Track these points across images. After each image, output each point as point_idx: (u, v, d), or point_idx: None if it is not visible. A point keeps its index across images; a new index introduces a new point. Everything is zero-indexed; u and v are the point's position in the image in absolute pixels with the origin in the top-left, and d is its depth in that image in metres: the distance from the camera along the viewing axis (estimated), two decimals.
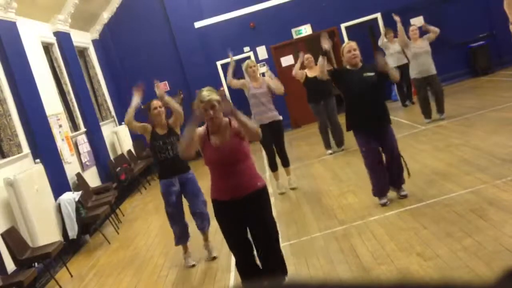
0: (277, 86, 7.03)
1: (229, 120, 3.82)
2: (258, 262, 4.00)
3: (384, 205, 5.54)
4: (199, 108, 3.71)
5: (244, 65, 7.26)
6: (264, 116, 7.02)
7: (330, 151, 9.02)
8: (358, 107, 5.41)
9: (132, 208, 9.61)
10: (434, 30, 9.09)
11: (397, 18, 9.55)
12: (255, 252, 3.96)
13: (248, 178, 3.79)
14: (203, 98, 3.70)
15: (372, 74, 5.35)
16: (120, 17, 13.35)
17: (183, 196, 5.54)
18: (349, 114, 5.56)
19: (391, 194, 5.68)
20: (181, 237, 5.55)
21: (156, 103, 5.45)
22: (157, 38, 13.36)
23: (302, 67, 8.89)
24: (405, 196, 5.57)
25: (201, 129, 3.86)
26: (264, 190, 3.89)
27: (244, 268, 3.93)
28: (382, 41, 11.59)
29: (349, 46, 5.48)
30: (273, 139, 7.24)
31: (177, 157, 5.33)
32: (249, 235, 3.94)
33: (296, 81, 9.18)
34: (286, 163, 7.46)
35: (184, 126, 5.53)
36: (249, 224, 3.86)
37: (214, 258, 5.48)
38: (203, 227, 5.54)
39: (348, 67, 5.51)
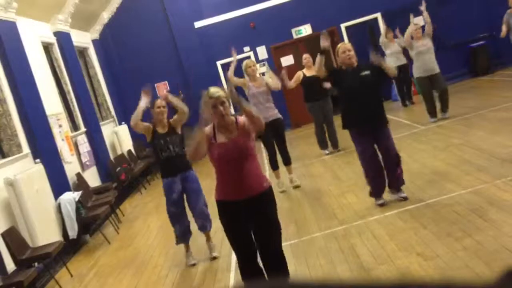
0: (276, 83, 7.15)
1: (235, 119, 3.83)
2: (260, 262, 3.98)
3: (381, 205, 5.53)
4: (207, 104, 3.67)
5: (243, 65, 7.26)
6: (264, 115, 7.01)
7: (326, 151, 9.01)
8: (354, 107, 5.40)
9: (132, 208, 9.60)
10: (428, 21, 9.10)
11: (423, 9, 9.33)
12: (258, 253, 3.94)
13: (254, 179, 3.74)
14: (213, 94, 3.68)
15: (368, 72, 5.34)
16: (120, 17, 13.35)
17: (184, 195, 5.54)
18: (345, 113, 5.56)
19: (391, 195, 5.68)
20: (182, 236, 5.54)
21: (159, 102, 5.46)
22: (157, 38, 13.36)
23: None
24: (404, 198, 5.51)
25: (207, 128, 3.85)
26: (270, 191, 3.84)
27: (247, 268, 3.90)
28: (382, 39, 11.57)
29: (343, 47, 5.47)
30: (274, 137, 7.26)
31: (179, 155, 5.33)
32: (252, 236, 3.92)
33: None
34: (287, 162, 7.46)
35: (185, 125, 5.58)
36: (253, 225, 3.81)
37: (214, 258, 5.48)
38: (204, 228, 5.54)
39: (343, 67, 5.51)
